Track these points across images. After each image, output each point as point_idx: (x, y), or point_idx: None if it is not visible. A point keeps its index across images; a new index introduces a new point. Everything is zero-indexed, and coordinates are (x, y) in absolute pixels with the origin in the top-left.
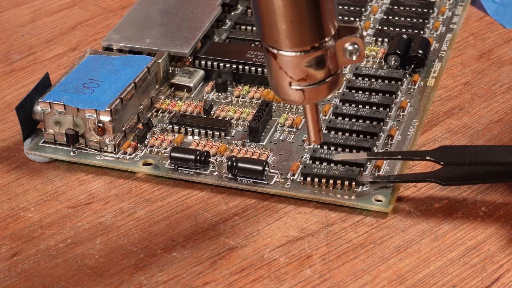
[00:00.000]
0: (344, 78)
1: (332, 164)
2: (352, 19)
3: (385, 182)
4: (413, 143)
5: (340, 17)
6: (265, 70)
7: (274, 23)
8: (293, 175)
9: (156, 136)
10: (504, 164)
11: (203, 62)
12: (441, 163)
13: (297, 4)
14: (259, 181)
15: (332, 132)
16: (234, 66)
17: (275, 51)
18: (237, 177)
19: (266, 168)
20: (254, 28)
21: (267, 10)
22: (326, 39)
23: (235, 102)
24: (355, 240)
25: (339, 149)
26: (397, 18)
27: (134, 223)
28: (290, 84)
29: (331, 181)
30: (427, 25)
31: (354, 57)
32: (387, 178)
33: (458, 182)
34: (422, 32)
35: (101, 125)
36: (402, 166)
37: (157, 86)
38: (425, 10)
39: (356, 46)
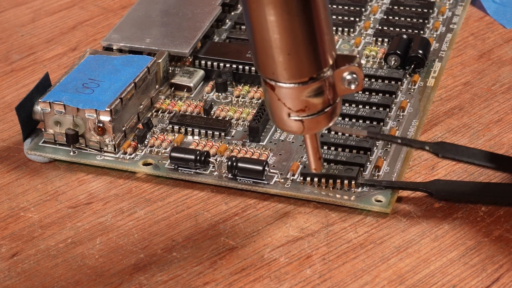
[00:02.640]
0: None
1: (332, 164)
2: (352, 19)
3: (377, 186)
4: None
5: (340, 17)
6: None
7: (271, 56)
8: (293, 175)
9: (156, 136)
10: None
11: (203, 62)
12: (439, 155)
13: (294, 36)
14: (259, 181)
15: (332, 133)
16: (234, 66)
17: (273, 83)
18: (237, 177)
19: (266, 168)
20: None
21: (264, 42)
22: (324, 70)
23: (235, 102)
24: (355, 240)
25: (339, 149)
26: (397, 18)
27: (134, 223)
28: (289, 115)
29: (330, 181)
30: (427, 25)
31: (353, 86)
32: (379, 182)
33: (448, 196)
34: (422, 32)
35: (101, 125)
36: (402, 168)
37: (157, 86)
38: (425, 10)
39: (354, 75)
